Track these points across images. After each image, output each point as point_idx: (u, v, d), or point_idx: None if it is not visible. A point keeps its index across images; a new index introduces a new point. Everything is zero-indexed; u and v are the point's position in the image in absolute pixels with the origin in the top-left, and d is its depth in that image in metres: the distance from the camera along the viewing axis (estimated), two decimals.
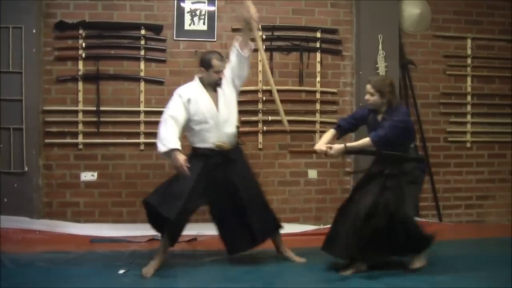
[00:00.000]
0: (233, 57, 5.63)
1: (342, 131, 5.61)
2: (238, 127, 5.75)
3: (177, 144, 5.18)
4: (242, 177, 5.64)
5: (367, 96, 5.43)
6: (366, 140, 5.23)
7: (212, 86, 5.56)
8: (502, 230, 7.45)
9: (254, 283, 5.13)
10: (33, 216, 6.91)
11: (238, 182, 5.56)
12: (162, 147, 5.20)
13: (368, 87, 5.42)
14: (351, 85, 7.68)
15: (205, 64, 5.53)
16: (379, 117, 5.44)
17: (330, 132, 5.53)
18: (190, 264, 5.67)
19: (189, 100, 5.42)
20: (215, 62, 5.48)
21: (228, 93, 5.61)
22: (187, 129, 5.56)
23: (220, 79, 5.55)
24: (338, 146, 5.24)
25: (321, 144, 5.36)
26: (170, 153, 5.19)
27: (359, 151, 5.49)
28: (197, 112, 5.43)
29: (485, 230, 7.66)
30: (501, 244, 6.69)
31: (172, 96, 5.59)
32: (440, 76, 7.95)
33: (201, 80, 5.62)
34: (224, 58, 5.68)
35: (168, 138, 5.19)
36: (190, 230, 6.86)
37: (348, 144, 5.30)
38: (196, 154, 5.55)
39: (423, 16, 7.88)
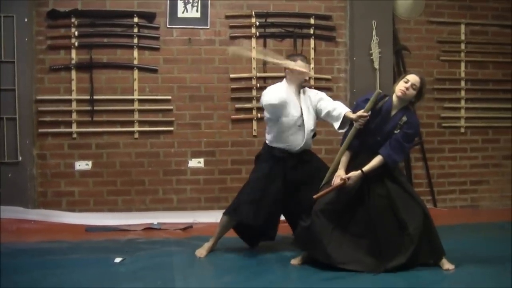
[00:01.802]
0: (331, 109, 5.54)
1: (354, 149, 5.26)
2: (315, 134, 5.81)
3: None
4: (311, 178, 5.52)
5: (410, 89, 4.97)
6: (379, 160, 5.01)
7: (298, 89, 5.53)
8: (497, 215, 7.47)
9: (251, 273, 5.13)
10: (28, 206, 6.90)
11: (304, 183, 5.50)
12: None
13: (416, 80, 4.99)
14: (345, 71, 7.67)
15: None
16: (393, 112, 5.11)
17: (346, 156, 5.21)
18: (186, 252, 5.66)
19: (284, 101, 5.33)
20: (300, 63, 5.39)
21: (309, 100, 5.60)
22: (269, 128, 5.59)
23: (305, 81, 5.57)
24: (355, 174, 5.03)
25: (341, 173, 5.13)
26: None
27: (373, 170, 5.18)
28: (288, 114, 5.40)
29: (479, 215, 7.69)
30: (495, 228, 6.72)
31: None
32: (434, 62, 7.95)
33: (288, 83, 5.53)
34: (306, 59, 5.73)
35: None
36: (186, 218, 6.91)
37: (364, 169, 5.04)
38: (271, 154, 5.55)
39: (416, 1, 7.86)
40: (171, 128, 7.31)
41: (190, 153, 7.41)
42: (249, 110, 7.49)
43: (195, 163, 7.40)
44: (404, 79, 5.04)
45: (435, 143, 7.99)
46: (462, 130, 8.03)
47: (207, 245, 5.57)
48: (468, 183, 8.07)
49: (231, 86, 7.43)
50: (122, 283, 4.67)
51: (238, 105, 7.42)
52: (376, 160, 5.03)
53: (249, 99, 7.48)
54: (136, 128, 7.27)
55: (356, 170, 5.06)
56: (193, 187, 7.41)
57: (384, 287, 4.64)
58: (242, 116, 7.44)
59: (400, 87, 5.03)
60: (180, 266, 5.21)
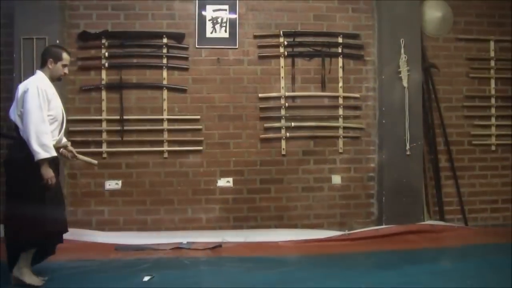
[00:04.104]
0: None
1: None
2: None
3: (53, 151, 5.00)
4: None
5: None
6: None
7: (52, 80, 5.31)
8: None
9: None
10: None
11: None
12: (45, 155, 4.89)
13: None
14: (374, 89, 7.65)
15: (54, 55, 5.26)
16: None
17: None
18: (215, 272, 5.66)
19: (50, 95, 5.13)
20: (65, 55, 5.29)
21: None
22: None
23: (65, 74, 5.38)
24: None
25: None
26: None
27: None
28: (51, 109, 5.15)
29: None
30: None
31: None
32: (463, 79, 7.90)
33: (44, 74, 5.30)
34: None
35: (50, 145, 4.96)
36: (215, 237, 6.89)
37: None
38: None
39: (445, 19, 7.84)
40: (200, 148, 7.34)
41: (219, 172, 7.42)
42: (278, 129, 7.49)
43: (224, 182, 7.41)
44: None
45: (466, 161, 7.92)
46: (493, 147, 7.95)
47: None
48: (499, 202, 7.97)
49: (260, 106, 7.45)
50: None
51: (266, 125, 7.43)
52: None
53: (278, 118, 7.48)
54: (165, 147, 7.31)
55: None
56: (222, 206, 7.42)
57: None
58: (270, 135, 7.45)
59: None
60: (209, 285, 5.21)
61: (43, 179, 4.89)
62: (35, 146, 4.82)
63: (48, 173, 4.89)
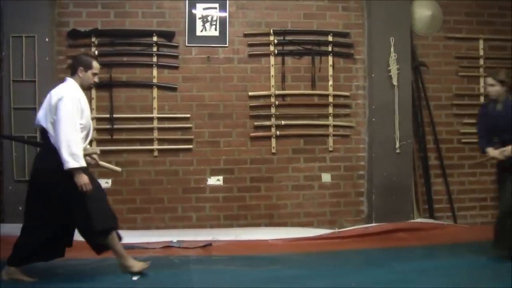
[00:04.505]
0: None
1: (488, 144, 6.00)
2: None
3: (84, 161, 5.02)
4: None
5: (489, 89, 5.92)
6: None
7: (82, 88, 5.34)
8: None
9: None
10: None
11: None
12: (74, 164, 4.93)
13: (489, 79, 5.91)
14: (364, 88, 7.67)
15: (85, 64, 5.27)
16: (499, 106, 5.89)
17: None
18: (205, 270, 5.66)
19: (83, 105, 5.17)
20: (95, 64, 5.30)
21: None
22: None
23: (95, 82, 5.43)
24: (510, 148, 5.70)
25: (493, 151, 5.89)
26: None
27: None
28: (84, 117, 5.17)
29: None
30: None
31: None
32: (452, 78, 7.93)
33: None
34: None
35: (80, 154, 4.98)
36: (205, 235, 6.89)
37: None
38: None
39: (434, 18, 7.86)
40: (190, 146, 7.34)
41: (209, 171, 7.43)
42: (268, 127, 7.50)
43: (214, 181, 7.41)
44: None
45: (455, 159, 7.95)
46: None
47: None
48: (488, 199, 8.00)
49: (250, 104, 7.45)
50: None
51: (256, 123, 7.44)
52: None
53: (268, 117, 7.49)
54: (155, 146, 7.30)
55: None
56: (212, 204, 7.43)
57: None
58: (260, 133, 7.46)
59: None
60: (199, 284, 5.21)
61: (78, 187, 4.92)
62: (65, 155, 4.85)
63: (81, 180, 4.92)
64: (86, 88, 5.31)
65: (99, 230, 5.05)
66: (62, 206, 5.05)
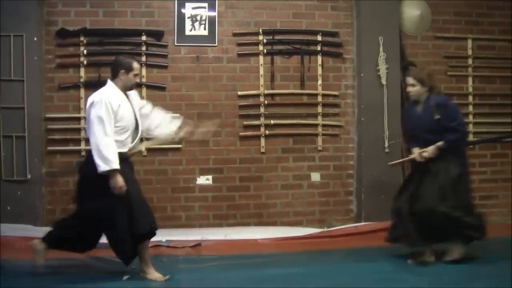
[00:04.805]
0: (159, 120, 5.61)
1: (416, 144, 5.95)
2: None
3: (117, 164, 5.02)
4: None
5: (409, 88, 5.86)
6: (442, 142, 5.67)
7: (125, 90, 5.38)
8: (506, 230, 7.42)
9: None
10: (36, 224, 6.91)
11: None
12: (105, 167, 4.96)
13: (409, 79, 5.88)
14: (353, 87, 7.68)
15: (125, 66, 5.34)
16: (419, 107, 5.87)
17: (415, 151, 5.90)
18: (195, 269, 5.66)
19: (118, 107, 5.19)
20: (135, 65, 5.35)
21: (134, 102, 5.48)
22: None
23: (137, 83, 5.56)
24: (432, 148, 5.70)
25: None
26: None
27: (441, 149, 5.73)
28: (120, 120, 5.21)
29: (488, 230, 7.62)
30: (505, 243, 6.67)
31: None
32: (441, 77, 7.93)
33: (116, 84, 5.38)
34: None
35: (112, 158, 5.01)
36: (194, 235, 6.88)
37: (438, 144, 5.68)
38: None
39: (423, 17, 7.89)
40: (179, 146, 7.32)
41: (198, 170, 7.42)
42: (257, 127, 7.51)
43: (203, 180, 7.41)
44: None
45: None
46: None
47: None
48: (477, 198, 7.98)
49: (239, 103, 7.45)
50: None
51: (246, 122, 7.44)
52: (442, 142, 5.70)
53: (257, 116, 7.49)
54: (144, 145, 7.27)
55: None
56: (201, 204, 7.42)
57: None
58: (250, 133, 7.45)
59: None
60: (188, 283, 5.21)
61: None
62: (96, 159, 4.93)
63: (115, 183, 4.95)
64: (129, 89, 5.36)
65: (143, 232, 5.10)
66: (102, 208, 5.07)
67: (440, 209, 5.49)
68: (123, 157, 5.10)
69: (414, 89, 5.80)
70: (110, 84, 5.28)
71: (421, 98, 5.83)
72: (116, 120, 5.09)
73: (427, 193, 5.65)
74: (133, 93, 5.46)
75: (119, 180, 4.95)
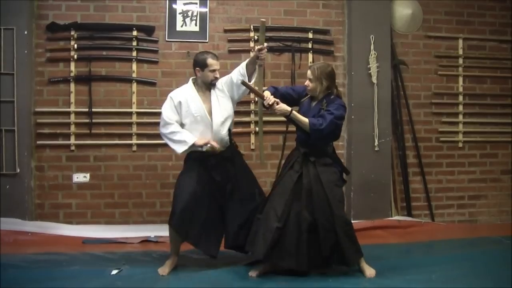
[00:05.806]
0: (233, 73, 5.63)
1: (277, 94, 5.47)
2: (230, 130, 5.70)
3: (192, 137, 5.33)
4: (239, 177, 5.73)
5: (307, 82, 5.43)
6: (306, 121, 5.20)
7: (207, 86, 5.55)
8: (495, 230, 7.46)
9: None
10: (25, 218, 6.89)
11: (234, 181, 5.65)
12: (182, 147, 5.34)
13: (308, 73, 5.43)
14: (343, 85, 7.68)
15: (200, 63, 5.49)
16: (313, 103, 5.47)
17: (268, 92, 5.41)
18: (183, 266, 5.65)
19: (179, 103, 5.43)
20: (210, 61, 5.45)
21: (221, 95, 5.57)
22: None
23: (216, 78, 5.54)
24: (285, 106, 5.25)
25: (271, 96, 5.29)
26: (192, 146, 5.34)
27: (297, 125, 5.38)
28: (188, 115, 5.42)
29: (477, 229, 7.67)
30: (493, 243, 6.71)
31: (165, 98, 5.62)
32: (431, 76, 7.97)
33: (195, 81, 5.61)
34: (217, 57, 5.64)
35: (182, 138, 5.32)
36: None
37: (294, 112, 5.27)
38: (191, 157, 5.55)
39: (414, 16, 7.90)
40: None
41: None
42: (247, 123, 7.52)
43: None
44: None
45: (433, 158, 7.99)
46: (460, 144, 8.04)
47: (168, 262, 5.48)
48: (466, 198, 8.06)
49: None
50: None
51: (236, 119, 7.40)
52: (305, 119, 5.23)
53: (247, 113, 7.51)
54: (134, 141, 7.28)
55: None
56: None
57: None
58: (239, 129, 7.44)
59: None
60: (176, 279, 5.21)
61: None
62: (171, 146, 5.44)
63: (200, 142, 5.35)
64: (210, 85, 5.51)
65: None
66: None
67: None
68: (195, 156, 5.46)
69: (311, 85, 5.39)
70: (189, 81, 5.61)
71: (319, 96, 5.45)
72: (183, 116, 5.43)
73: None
74: (222, 84, 5.62)
75: (201, 140, 5.34)
